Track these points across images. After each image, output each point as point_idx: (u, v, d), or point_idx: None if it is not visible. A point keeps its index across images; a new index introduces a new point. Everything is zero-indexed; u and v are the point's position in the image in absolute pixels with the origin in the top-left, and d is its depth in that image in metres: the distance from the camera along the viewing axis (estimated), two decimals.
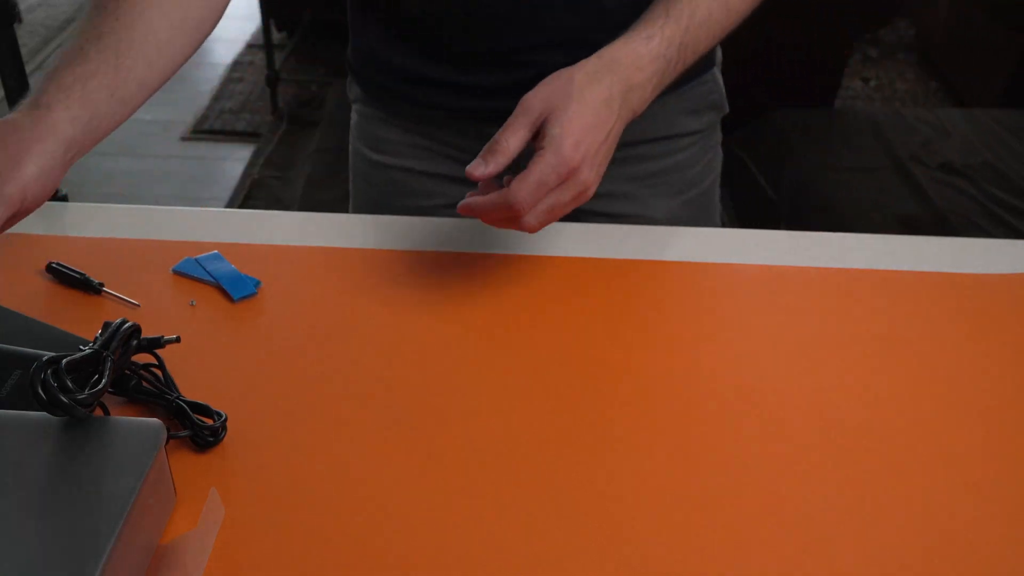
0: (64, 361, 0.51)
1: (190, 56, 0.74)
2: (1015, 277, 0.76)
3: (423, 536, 0.53)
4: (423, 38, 0.86)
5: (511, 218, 0.64)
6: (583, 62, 0.67)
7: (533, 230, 0.65)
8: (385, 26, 0.88)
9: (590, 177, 0.65)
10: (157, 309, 0.70)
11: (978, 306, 0.73)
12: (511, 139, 0.64)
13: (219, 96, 3.09)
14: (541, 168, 0.63)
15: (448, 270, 0.75)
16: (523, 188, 0.63)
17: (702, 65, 0.90)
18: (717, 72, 0.94)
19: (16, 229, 0.78)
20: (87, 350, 0.54)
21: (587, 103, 0.64)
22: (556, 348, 0.67)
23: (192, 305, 0.70)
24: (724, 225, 2.28)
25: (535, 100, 0.65)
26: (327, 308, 0.70)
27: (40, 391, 0.50)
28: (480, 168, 0.64)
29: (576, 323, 0.70)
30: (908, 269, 0.77)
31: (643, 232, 0.82)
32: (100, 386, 0.52)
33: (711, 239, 0.81)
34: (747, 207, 2.39)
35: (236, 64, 3.31)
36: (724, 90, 0.95)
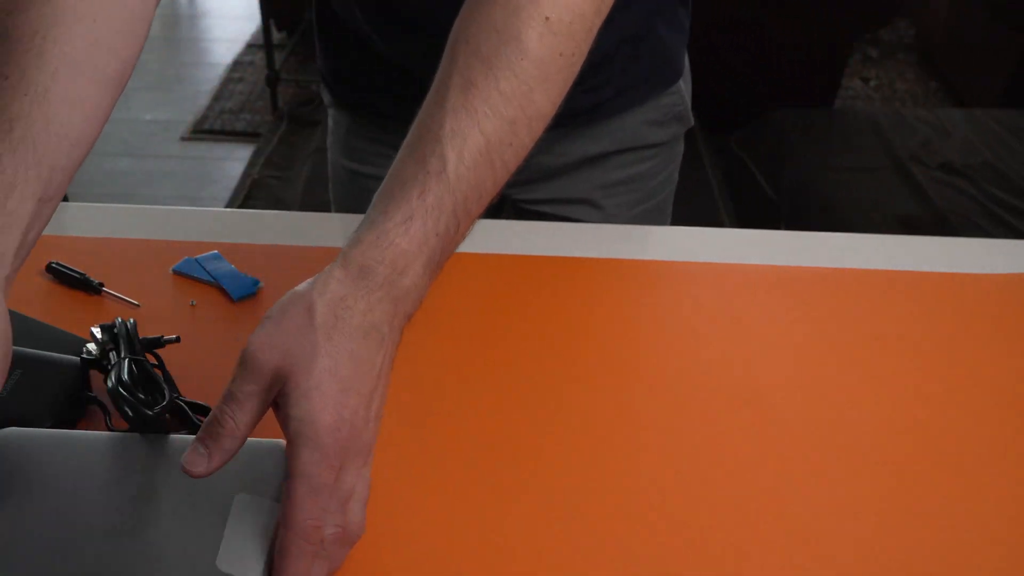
0: (125, 379, 0.54)
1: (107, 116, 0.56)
2: (1015, 277, 0.76)
3: (424, 534, 0.53)
4: (379, 53, 0.85)
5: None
6: (322, 282, 0.48)
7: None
8: (345, 45, 0.88)
9: (358, 481, 0.47)
10: (157, 309, 0.70)
11: (978, 306, 0.73)
12: (239, 415, 0.45)
13: (219, 96, 3.09)
14: (301, 470, 0.44)
15: (447, 270, 0.75)
16: (296, 504, 0.44)
17: (668, 76, 0.90)
18: (683, 84, 0.92)
19: None
20: (124, 358, 0.56)
21: (336, 380, 0.46)
22: (555, 348, 0.67)
23: (192, 305, 0.70)
24: (724, 225, 2.27)
25: (267, 354, 0.46)
26: None
27: (128, 410, 0.52)
28: (201, 463, 0.45)
29: (576, 323, 0.70)
30: (908, 269, 0.77)
31: (644, 232, 0.82)
32: (167, 400, 0.54)
33: (711, 239, 0.81)
34: (747, 207, 2.39)
35: (236, 64, 3.31)
36: (690, 102, 0.93)
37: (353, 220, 0.83)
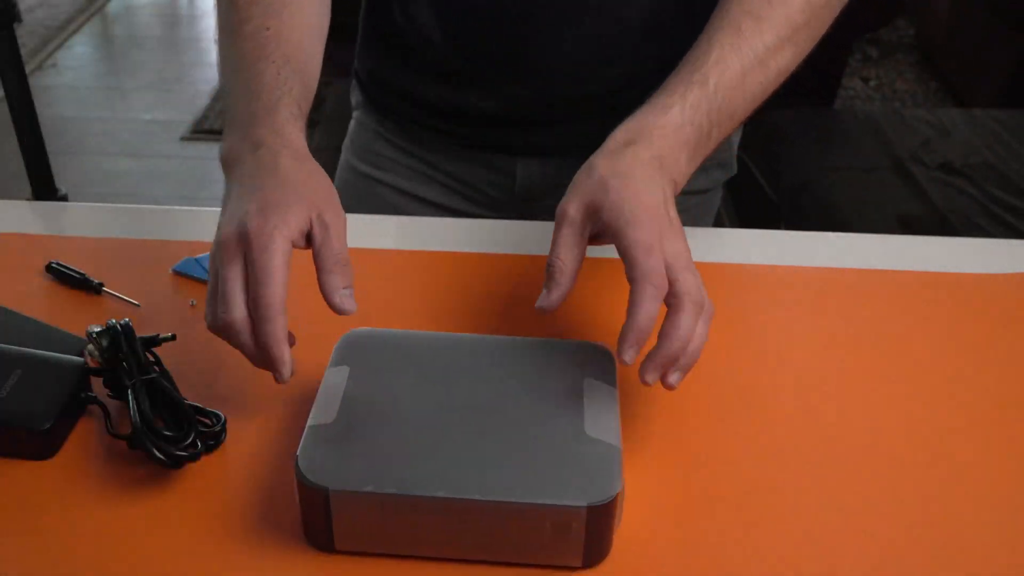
0: (148, 416, 0.55)
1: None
2: (1015, 277, 0.76)
3: None
4: (431, 59, 0.85)
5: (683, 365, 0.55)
6: (598, 151, 0.61)
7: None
8: (395, 46, 0.88)
9: (680, 252, 0.56)
10: (157, 309, 0.70)
11: (978, 306, 0.73)
12: (566, 256, 0.57)
13: (219, 96, 3.09)
14: (635, 238, 0.55)
15: (448, 270, 0.75)
16: (641, 250, 0.54)
17: None
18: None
19: (16, 229, 0.78)
20: (137, 384, 0.57)
21: (630, 187, 0.57)
22: None
23: (192, 305, 0.70)
24: (724, 225, 2.28)
25: (571, 206, 0.58)
26: (325, 308, 0.70)
27: (160, 455, 0.54)
28: (546, 299, 0.57)
29: (576, 323, 0.70)
30: (908, 269, 0.77)
31: None
32: (192, 438, 0.55)
33: (711, 239, 0.81)
34: (747, 207, 2.39)
35: None
36: (736, 149, 0.92)
37: (353, 220, 0.83)
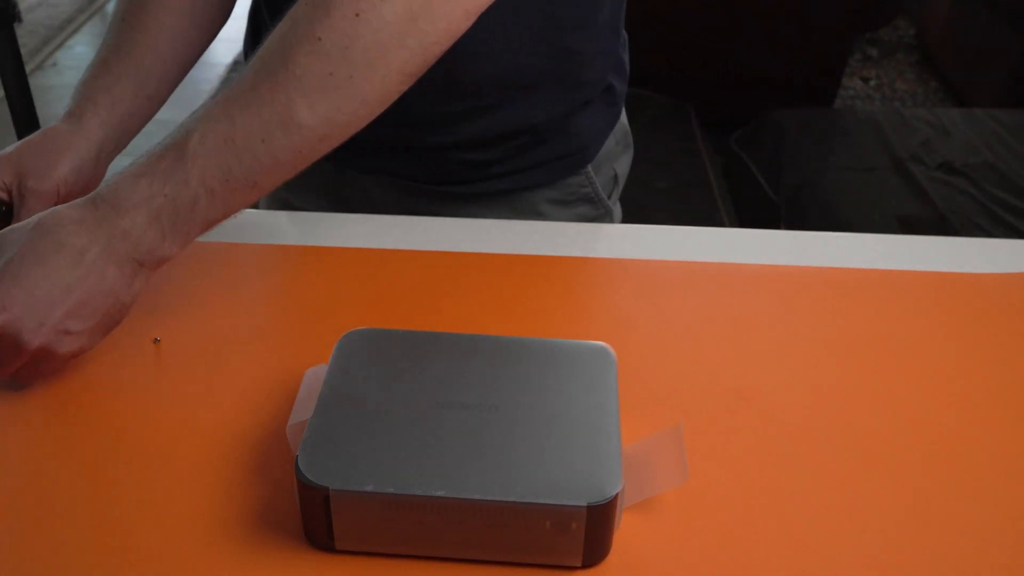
0: None
1: (204, 49, 0.81)
2: (1015, 277, 0.76)
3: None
4: None
5: None
6: (65, 205, 0.60)
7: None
8: None
9: (17, 330, 0.56)
10: (157, 309, 0.70)
11: (978, 306, 0.73)
12: None
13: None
14: None
15: (448, 270, 0.75)
16: None
17: (572, 164, 0.86)
18: (591, 169, 0.88)
19: None
20: None
21: (28, 256, 0.57)
22: None
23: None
24: (724, 225, 2.28)
25: None
26: (326, 308, 0.70)
27: None
28: None
29: (576, 323, 0.70)
30: (908, 269, 0.77)
31: (643, 232, 0.82)
32: None
33: (711, 239, 0.81)
34: (747, 207, 2.39)
35: (236, 64, 3.31)
36: (600, 186, 0.89)
37: (354, 219, 0.83)
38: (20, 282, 0.56)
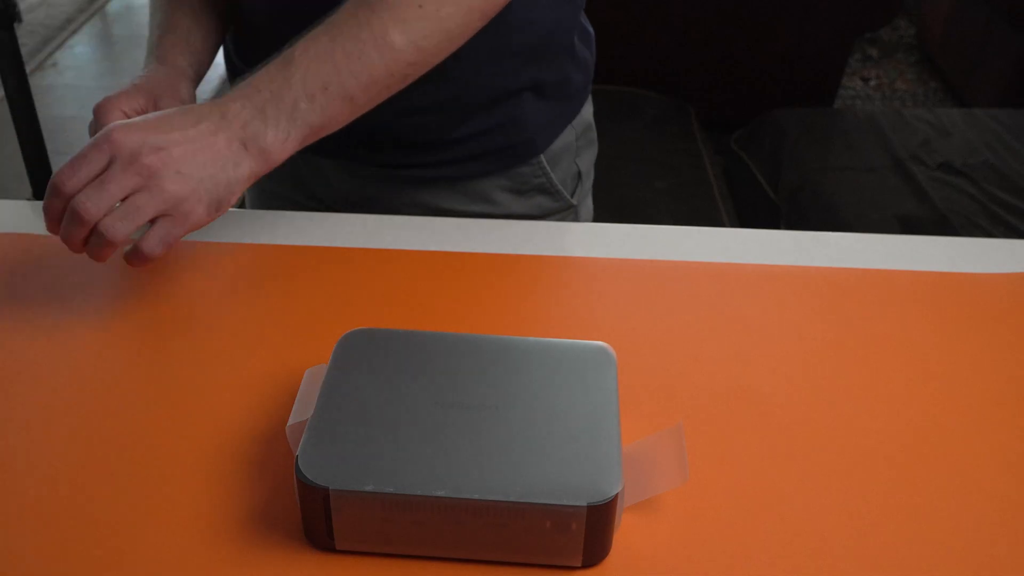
0: None
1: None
2: (1015, 277, 0.76)
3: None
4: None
5: (83, 223, 0.62)
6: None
7: (124, 244, 0.64)
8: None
9: (135, 145, 0.62)
10: (157, 307, 0.70)
11: (978, 306, 0.73)
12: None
13: (219, 96, 3.09)
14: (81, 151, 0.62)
15: (448, 270, 0.75)
16: (60, 172, 0.62)
17: (521, 152, 0.87)
18: (544, 159, 0.89)
19: (16, 229, 0.78)
20: None
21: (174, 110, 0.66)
22: None
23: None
24: (724, 225, 2.28)
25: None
26: (326, 308, 0.70)
27: None
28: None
29: (577, 323, 0.70)
30: (908, 269, 0.77)
31: (643, 232, 0.82)
32: None
33: (711, 239, 0.81)
34: (747, 207, 2.39)
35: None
36: (555, 178, 0.90)
37: (354, 219, 0.83)
38: (146, 120, 0.64)
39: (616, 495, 0.49)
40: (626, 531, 0.53)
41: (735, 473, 0.57)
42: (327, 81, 0.66)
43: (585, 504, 0.48)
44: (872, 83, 3.32)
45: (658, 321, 0.70)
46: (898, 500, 0.56)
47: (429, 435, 0.52)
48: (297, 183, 0.94)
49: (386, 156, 0.88)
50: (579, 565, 0.51)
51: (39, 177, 1.81)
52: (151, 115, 0.65)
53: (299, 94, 0.65)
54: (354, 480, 0.49)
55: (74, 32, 3.57)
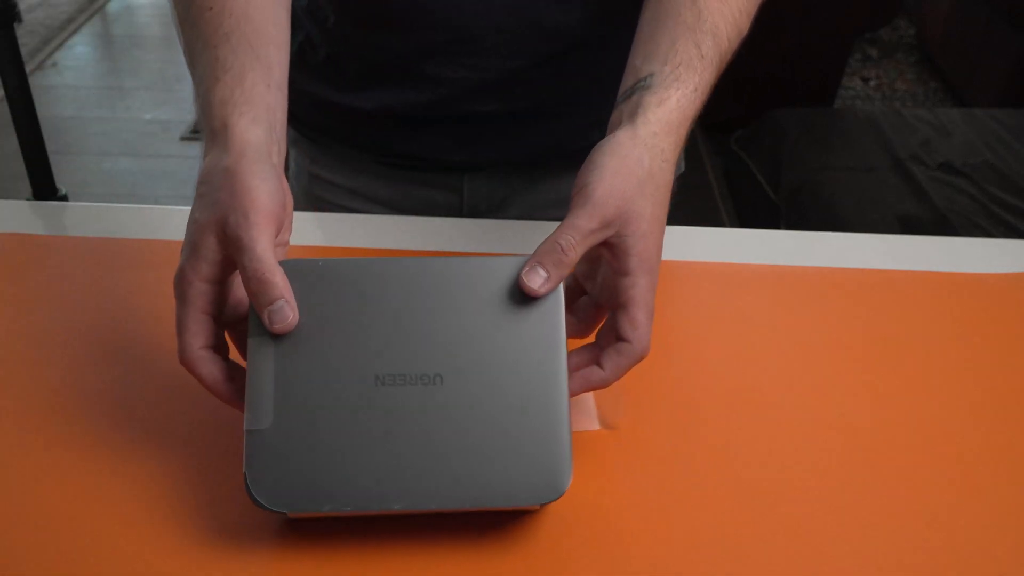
0: None
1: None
2: (1015, 277, 0.76)
3: (413, 526, 0.53)
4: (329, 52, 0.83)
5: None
6: (646, 133, 0.56)
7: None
8: (304, 50, 0.85)
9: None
10: (155, 308, 0.70)
11: (978, 306, 0.73)
12: (578, 246, 0.52)
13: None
14: (644, 297, 0.53)
15: None
16: (640, 328, 0.54)
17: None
18: None
19: (16, 229, 0.78)
20: None
21: (656, 202, 0.55)
22: None
23: None
24: (724, 225, 2.27)
25: (607, 195, 0.53)
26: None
27: None
28: (540, 282, 0.52)
29: None
30: (908, 269, 0.77)
31: None
32: None
33: (711, 239, 0.81)
34: (747, 207, 2.39)
35: None
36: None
37: (352, 220, 0.83)
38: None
39: (566, 489, 0.51)
40: (625, 531, 0.53)
41: (734, 472, 0.57)
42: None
43: (540, 504, 0.51)
44: (872, 83, 3.32)
45: (658, 321, 0.70)
46: (898, 499, 0.56)
47: (375, 431, 0.50)
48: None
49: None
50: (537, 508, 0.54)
51: (39, 177, 1.81)
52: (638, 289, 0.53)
53: (690, 115, 0.59)
54: (311, 503, 0.49)
55: (74, 32, 3.57)
